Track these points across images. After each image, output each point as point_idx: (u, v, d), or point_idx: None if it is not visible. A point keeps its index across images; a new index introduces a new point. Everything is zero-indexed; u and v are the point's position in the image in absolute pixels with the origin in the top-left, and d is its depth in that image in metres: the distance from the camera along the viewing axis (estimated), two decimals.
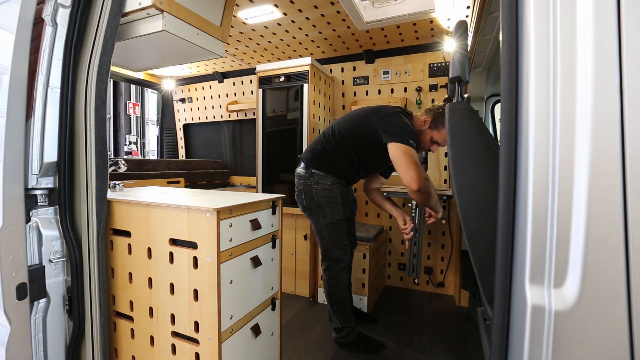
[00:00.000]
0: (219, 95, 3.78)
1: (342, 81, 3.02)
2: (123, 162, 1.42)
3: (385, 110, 1.77)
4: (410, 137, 1.64)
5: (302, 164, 1.88)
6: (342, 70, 3.01)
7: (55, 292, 1.15)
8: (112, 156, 1.65)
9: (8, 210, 1.01)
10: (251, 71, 3.45)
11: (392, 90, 2.84)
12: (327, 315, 2.00)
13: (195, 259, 1.05)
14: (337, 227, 1.82)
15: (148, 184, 2.68)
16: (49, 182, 1.14)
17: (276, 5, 2.10)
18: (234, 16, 2.23)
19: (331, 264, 1.86)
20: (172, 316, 1.11)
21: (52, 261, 1.13)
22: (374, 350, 1.86)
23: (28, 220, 1.09)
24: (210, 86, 3.81)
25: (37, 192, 1.12)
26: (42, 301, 1.11)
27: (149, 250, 1.14)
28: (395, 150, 1.61)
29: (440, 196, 2.13)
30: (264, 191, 2.77)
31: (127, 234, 1.19)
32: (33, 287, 1.07)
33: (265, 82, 2.69)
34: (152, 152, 9.21)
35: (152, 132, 9.36)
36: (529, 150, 0.59)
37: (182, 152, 4.26)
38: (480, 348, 1.72)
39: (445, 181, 2.72)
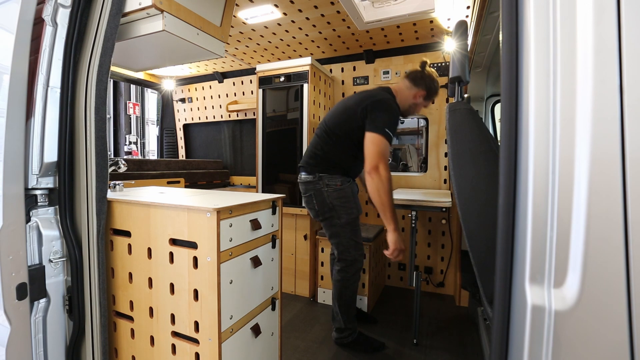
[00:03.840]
0: (219, 95, 3.78)
1: (342, 81, 3.02)
2: (123, 162, 1.42)
3: (373, 97, 1.74)
4: (390, 125, 1.66)
5: (305, 172, 1.86)
6: (342, 70, 3.01)
7: (55, 292, 1.15)
8: (112, 156, 1.65)
9: (8, 210, 1.01)
10: (251, 71, 3.45)
11: None
12: (331, 314, 2.00)
13: (195, 259, 1.05)
14: (353, 226, 1.82)
15: (148, 184, 2.68)
16: (49, 182, 1.14)
17: (276, 5, 2.10)
18: (234, 16, 2.23)
19: (347, 265, 1.84)
20: (172, 316, 1.11)
21: (52, 261, 1.13)
22: (374, 350, 1.86)
23: (28, 220, 1.09)
24: (210, 86, 3.81)
25: (37, 192, 1.12)
26: (42, 301, 1.11)
27: (149, 250, 1.14)
28: (368, 139, 1.66)
29: (440, 208, 1.90)
30: (264, 191, 2.77)
31: (127, 234, 1.19)
32: (33, 287, 1.07)
33: (265, 82, 2.69)
34: (152, 152, 9.21)
35: (152, 132, 9.36)
36: (529, 150, 0.59)
37: (182, 152, 4.26)
38: (480, 348, 1.72)
39: (445, 181, 2.72)
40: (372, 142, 1.64)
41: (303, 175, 1.88)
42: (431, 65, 2.69)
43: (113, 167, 1.36)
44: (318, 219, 1.87)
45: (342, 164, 1.80)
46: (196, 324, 1.06)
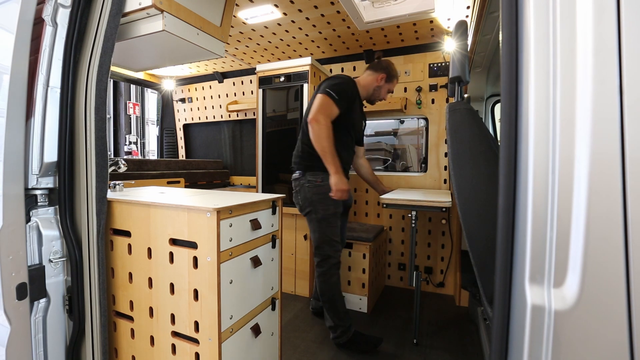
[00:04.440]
0: (219, 95, 3.78)
1: None
2: (123, 162, 1.42)
3: (330, 77, 1.95)
4: (333, 88, 1.81)
5: (295, 170, 1.98)
6: (342, 70, 3.01)
7: (55, 292, 1.15)
8: (112, 156, 1.65)
9: (8, 210, 1.01)
10: (251, 71, 3.45)
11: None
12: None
13: (195, 259, 1.05)
14: (329, 221, 1.86)
15: (148, 184, 2.68)
16: (49, 182, 1.14)
17: (276, 5, 2.10)
18: (234, 16, 2.23)
19: (321, 260, 1.89)
20: (172, 316, 1.11)
21: (52, 261, 1.13)
22: (374, 347, 1.85)
23: (28, 220, 1.09)
24: (210, 86, 3.81)
25: (37, 192, 1.12)
26: (42, 301, 1.11)
27: (149, 250, 1.14)
28: (315, 99, 1.84)
29: (440, 208, 1.82)
30: (264, 191, 2.77)
31: (127, 233, 1.19)
32: (33, 287, 1.07)
33: (265, 82, 2.69)
34: (152, 152, 9.21)
35: (152, 132, 9.35)
36: (529, 150, 0.59)
37: (182, 152, 4.26)
38: (480, 348, 1.72)
39: (445, 181, 2.72)
40: (315, 100, 1.83)
41: (294, 174, 1.98)
42: (431, 65, 2.70)
43: (113, 167, 1.36)
44: (302, 213, 1.95)
45: None
46: (196, 324, 1.06)
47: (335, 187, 1.77)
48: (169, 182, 2.93)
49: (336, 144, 1.83)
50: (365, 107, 2.27)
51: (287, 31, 2.51)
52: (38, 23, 1.07)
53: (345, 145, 1.96)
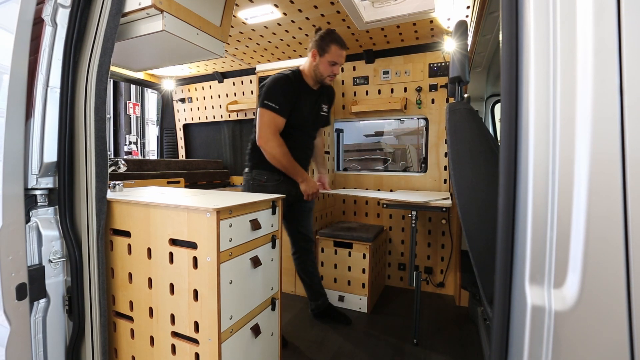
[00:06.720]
0: (219, 95, 3.78)
1: (342, 81, 3.02)
2: (123, 162, 1.42)
3: (265, 86, 1.79)
4: (271, 97, 1.73)
5: (246, 166, 1.95)
6: (342, 70, 3.01)
7: (55, 292, 1.15)
8: (112, 156, 1.65)
9: (8, 210, 1.00)
10: (251, 71, 3.45)
11: (392, 90, 2.84)
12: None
13: (195, 259, 1.05)
14: None
15: (148, 184, 2.67)
16: (48, 182, 1.14)
17: (276, 5, 2.10)
18: (234, 16, 2.23)
19: None
20: (172, 316, 1.11)
21: (52, 261, 1.13)
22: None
23: (28, 220, 1.09)
24: (210, 86, 3.81)
25: (37, 192, 1.12)
26: (42, 301, 1.11)
27: (149, 250, 1.14)
28: (257, 114, 1.78)
29: (440, 208, 1.84)
30: None
31: (127, 234, 1.19)
32: (33, 287, 1.07)
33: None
34: (152, 152, 9.20)
35: (152, 132, 9.35)
36: (529, 150, 0.59)
37: (182, 152, 4.26)
38: (480, 348, 1.72)
39: (445, 181, 2.72)
40: (258, 117, 1.76)
41: (245, 169, 1.95)
42: (431, 65, 2.70)
43: (113, 167, 1.36)
44: None
45: None
46: (196, 324, 1.06)
47: (305, 193, 1.83)
48: (169, 182, 2.93)
49: (288, 146, 1.78)
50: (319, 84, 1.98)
51: (287, 31, 2.51)
52: (38, 23, 1.07)
53: (298, 143, 1.88)
